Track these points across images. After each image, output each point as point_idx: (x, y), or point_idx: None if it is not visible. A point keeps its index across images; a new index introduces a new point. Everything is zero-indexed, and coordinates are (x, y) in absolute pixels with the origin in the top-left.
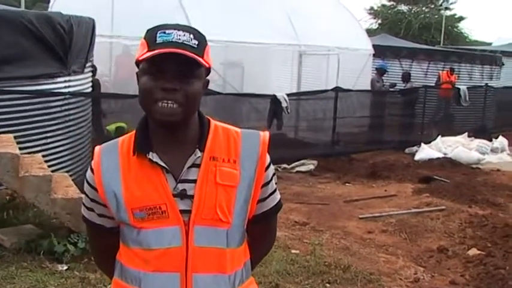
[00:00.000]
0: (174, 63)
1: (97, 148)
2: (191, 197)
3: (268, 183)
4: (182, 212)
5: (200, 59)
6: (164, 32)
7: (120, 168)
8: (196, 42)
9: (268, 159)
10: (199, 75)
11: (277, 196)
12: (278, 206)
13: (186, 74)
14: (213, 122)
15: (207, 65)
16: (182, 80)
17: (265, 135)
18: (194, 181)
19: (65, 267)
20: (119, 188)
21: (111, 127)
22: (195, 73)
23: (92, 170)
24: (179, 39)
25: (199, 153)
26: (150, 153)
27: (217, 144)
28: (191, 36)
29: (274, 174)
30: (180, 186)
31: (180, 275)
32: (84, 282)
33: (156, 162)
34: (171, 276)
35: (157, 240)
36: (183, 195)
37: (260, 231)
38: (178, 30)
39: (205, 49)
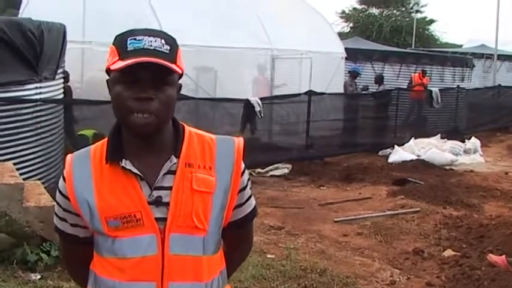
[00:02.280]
0: (148, 72)
1: (69, 157)
2: (167, 204)
3: (244, 188)
4: (157, 219)
5: (174, 66)
6: (135, 39)
7: (93, 177)
8: (168, 48)
9: (243, 165)
10: (173, 82)
11: (253, 202)
12: (254, 212)
13: (160, 82)
14: (187, 129)
15: (180, 71)
16: (156, 88)
17: (240, 141)
18: (170, 188)
19: (39, 277)
20: (91, 196)
21: (89, 132)
22: (169, 80)
23: (64, 179)
24: (151, 45)
25: (174, 160)
26: (123, 160)
27: (192, 151)
28: (162, 41)
29: (249, 180)
30: (155, 194)
31: (156, 284)
32: None
33: (130, 170)
34: (147, 286)
35: (132, 249)
36: (158, 202)
37: (237, 238)
38: (149, 36)
39: (178, 53)
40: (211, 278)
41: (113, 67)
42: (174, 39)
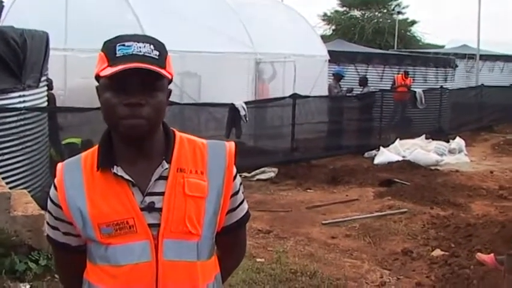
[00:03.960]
0: (137, 78)
1: (59, 165)
2: (159, 209)
3: (236, 193)
4: (150, 225)
5: (163, 71)
6: (124, 45)
7: (84, 184)
8: (158, 53)
9: (235, 169)
10: (163, 87)
11: (245, 206)
12: (247, 216)
13: (150, 88)
14: (178, 134)
15: (170, 77)
16: (146, 93)
17: (232, 145)
18: (162, 193)
19: (28, 286)
20: (83, 204)
21: (77, 140)
22: (159, 85)
23: (55, 187)
24: (140, 51)
25: (166, 165)
26: (115, 167)
27: (183, 156)
28: (151, 47)
29: (241, 184)
30: (148, 199)
31: None
32: None
33: (122, 176)
34: None
35: (126, 256)
36: (151, 208)
37: (230, 243)
38: (138, 41)
39: (167, 59)
40: (206, 283)
41: (102, 73)
42: (163, 45)
